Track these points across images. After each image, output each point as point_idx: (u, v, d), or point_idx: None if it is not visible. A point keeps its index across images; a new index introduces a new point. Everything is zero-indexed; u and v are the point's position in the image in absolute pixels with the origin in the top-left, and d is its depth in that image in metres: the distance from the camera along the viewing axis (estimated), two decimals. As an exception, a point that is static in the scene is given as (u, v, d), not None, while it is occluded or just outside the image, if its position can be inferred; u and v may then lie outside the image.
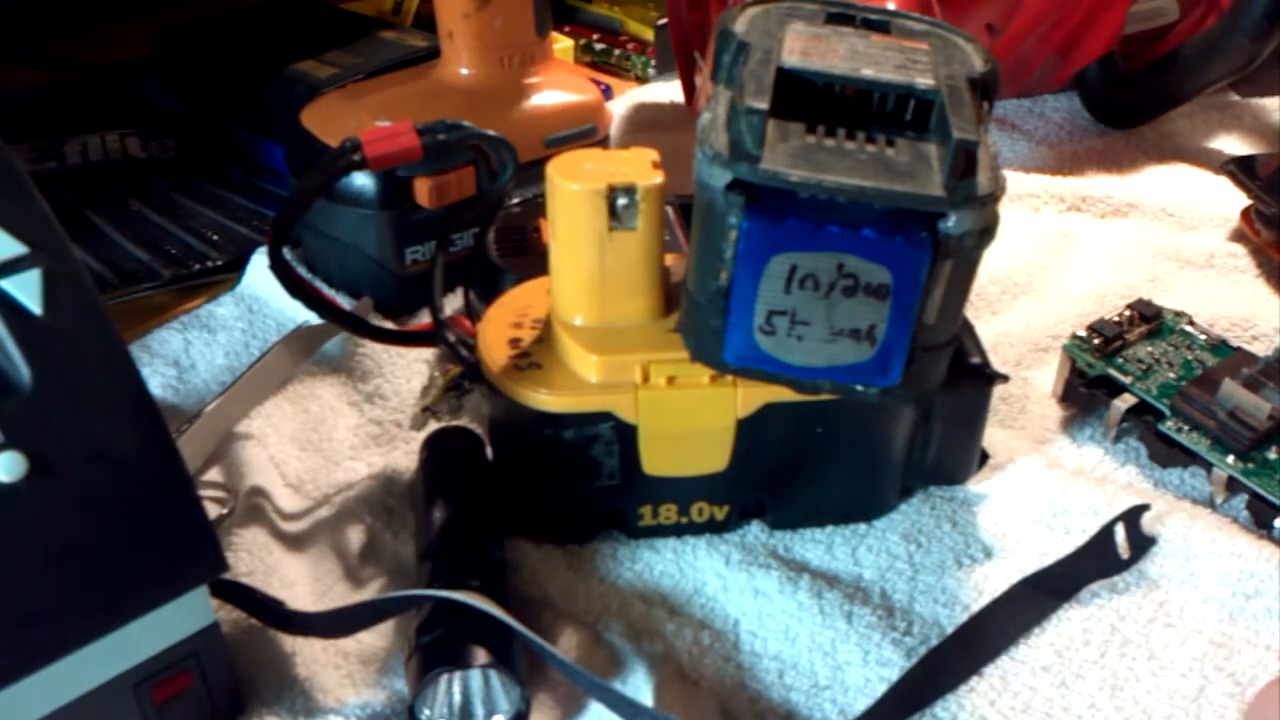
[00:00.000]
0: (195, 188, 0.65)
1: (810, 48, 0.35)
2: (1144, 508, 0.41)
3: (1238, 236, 0.60)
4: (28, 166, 0.63)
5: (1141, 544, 0.41)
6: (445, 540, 0.38)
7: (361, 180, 0.51)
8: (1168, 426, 0.44)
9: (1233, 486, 0.42)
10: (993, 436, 0.45)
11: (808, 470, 0.41)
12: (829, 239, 0.32)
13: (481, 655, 0.33)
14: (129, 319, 0.54)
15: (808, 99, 0.33)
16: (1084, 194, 0.63)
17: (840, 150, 0.32)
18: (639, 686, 0.36)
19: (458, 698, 0.35)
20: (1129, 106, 0.71)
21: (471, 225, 0.51)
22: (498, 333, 0.40)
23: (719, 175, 0.32)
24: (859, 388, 0.35)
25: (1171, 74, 0.67)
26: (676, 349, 0.38)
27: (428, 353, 0.50)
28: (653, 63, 0.81)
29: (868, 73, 0.34)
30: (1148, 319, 0.49)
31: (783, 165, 0.31)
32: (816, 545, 0.42)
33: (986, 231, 0.32)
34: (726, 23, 0.36)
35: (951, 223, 0.32)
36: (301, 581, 0.40)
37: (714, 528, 0.42)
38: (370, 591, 0.40)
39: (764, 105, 0.32)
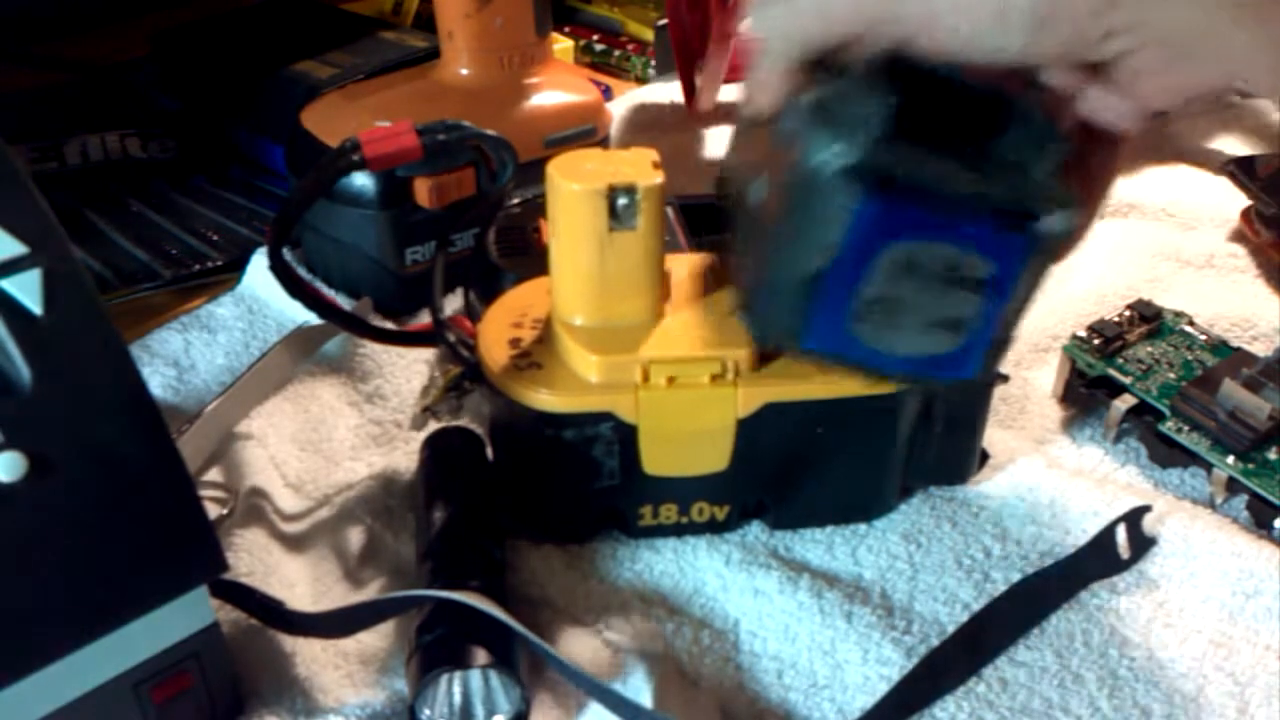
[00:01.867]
0: (195, 188, 0.65)
1: None
2: (1145, 509, 0.41)
3: (1238, 236, 0.60)
4: (28, 166, 0.63)
5: (1142, 544, 0.41)
6: (445, 540, 0.38)
7: (361, 180, 0.51)
8: (1168, 427, 0.44)
9: (1233, 487, 0.42)
10: (993, 436, 0.45)
11: (808, 470, 0.41)
12: (943, 230, 0.32)
13: (482, 655, 0.33)
14: (129, 319, 0.54)
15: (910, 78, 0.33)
16: (1084, 194, 0.62)
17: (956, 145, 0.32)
18: (639, 686, 0.36)
19: (458, 698, 0.35)
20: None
21: (471, 225, 0.51)
22: (498, 333, 0.40)
23: (838, 158, 0.31)
24: (934, 378, 0.36)
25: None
26: (676, 349, 0.38)
27: (428, 353, 0.50)
28: (653, 63, 0.81)
29: None
30: (1148, 319, 0.49)
31: (904, 154, 0.31)
32: (816, 545, 0.42)
33: (1075, 233, 0.33)
34: None
35: (1052, 222, 0.32)
36: (301, 581, 0.40)
37: (714, 528, 0.42)
38: (370, 591, 0.40)
39: (889, 96, 0.31)
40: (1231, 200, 0.61)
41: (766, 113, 0.34)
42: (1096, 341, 0.47)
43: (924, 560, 0.41)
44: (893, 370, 0.36)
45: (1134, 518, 0.41)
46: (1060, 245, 0.33)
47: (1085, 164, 0.32)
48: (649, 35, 0.83)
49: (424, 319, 0.53)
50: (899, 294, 0.33)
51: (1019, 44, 0.29)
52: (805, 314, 0.34)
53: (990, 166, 0.32)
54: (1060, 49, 0.29)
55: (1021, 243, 0.32)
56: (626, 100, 0.77)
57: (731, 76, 0.70)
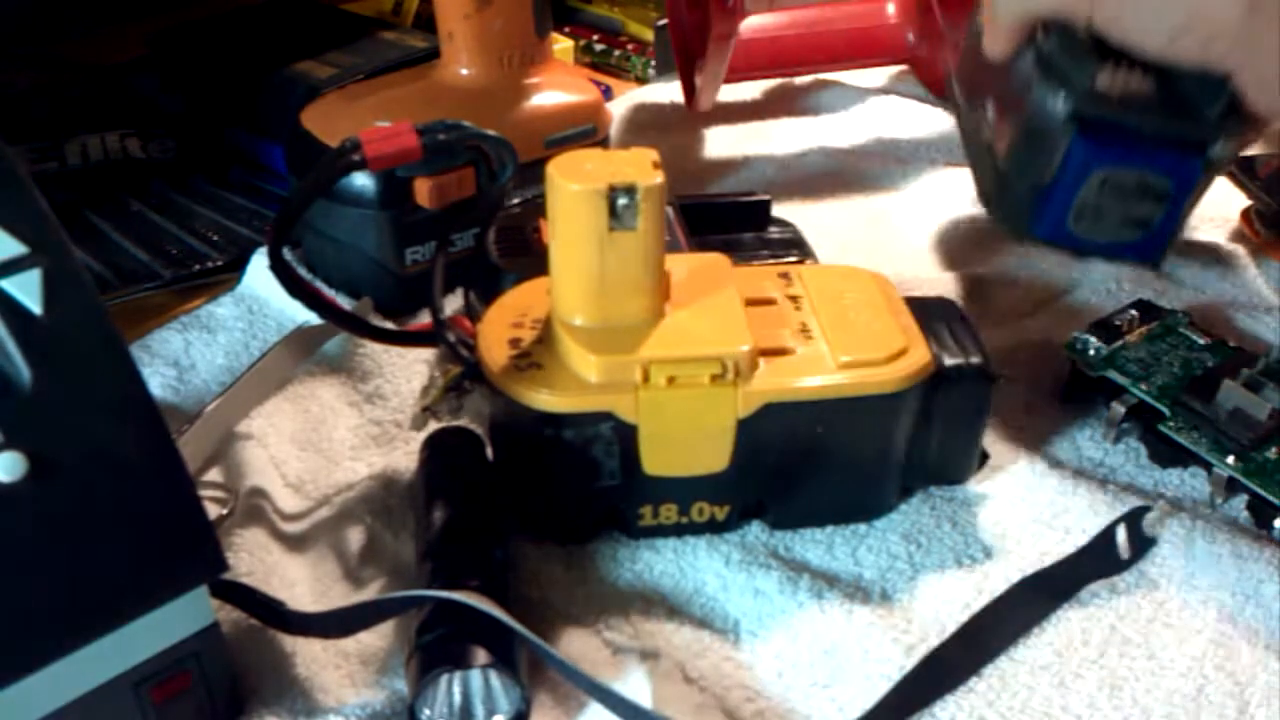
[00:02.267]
0: (195, 188, 0.65)
1: None
2: (1146, 509, 0.41)
3: (1237, 236, 0.60)
4: (28, 166, 0.63)
5: (1142, 544, 0.41)
6: (445, 540, 0.38)
7: (361, 180, 0.51)
8: (1168, 427, 0.44)
9: (1233, 487, 0.42)
10: (993, 436, 0.45)
11: (808, 470, 0.41)
12: (1136, 157, 0.43)
13: (482, 655, 0.33)
14: (129, 319, 0.54)
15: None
16: (1084, 194, 0.62)
17: (1144, 91, 0.42)
18: (639, 686, 0.36)
19: (458, 698, 0.35)
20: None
21: (471, 225, 0.51)
22: (498, 333, 0.40)
23: (1062, 108, 0.43)
24: (1126, 259, 0.49)
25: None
26: (676, 349, 0.38)
27: (428, 353, 0.50)
28: (653, 63, 0.81)
29: None
30: (1148, 319, 0.49)
31: (1110, 104, 0.42)
32: (816, 545, 0.42)
33: (1235, 156, 0.46)
34: None
35: (1219, 148, 0.42)
36: (301, 581, 0.40)
37: (714, 528, 0.42)
38: (370, 591, 0.40)
39: (1093, 60, 0.42)
40: (1231, 200, 0.61)
41: (1001, 57, 0.45)
42: (1096, 341, 0.47)
43: (924, 560, 0.41)
44: (1097, 252, 0.47)
45: (1134, 518, 0.41)
46: (1224, 164, 0.44)
47: (1243, 108, 0.41)
48: (649, 35, 0.83)
49: (424, 319, 0.53)
50: (1102, 203, 0.44)
51: (1166, 48, 0.39)
52: (1035, 212, 0.46)
53: (1174, 109, 0.41)
54: (1195, 58, 0.39)
55: (1196, 166, 0.43)
56: (626, 100, 0.77)
57: (731, 76, 0.70)
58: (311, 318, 0.44)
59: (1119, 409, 0.45)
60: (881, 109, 0.76)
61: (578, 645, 0.38)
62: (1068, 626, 0.39)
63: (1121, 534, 0.41)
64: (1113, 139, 0.43)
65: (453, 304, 0.52)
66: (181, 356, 0.52)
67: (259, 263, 0.56)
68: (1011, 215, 0.48)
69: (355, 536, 0.42)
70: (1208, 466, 0.43)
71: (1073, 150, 0.43)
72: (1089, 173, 0.44)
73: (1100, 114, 0.42)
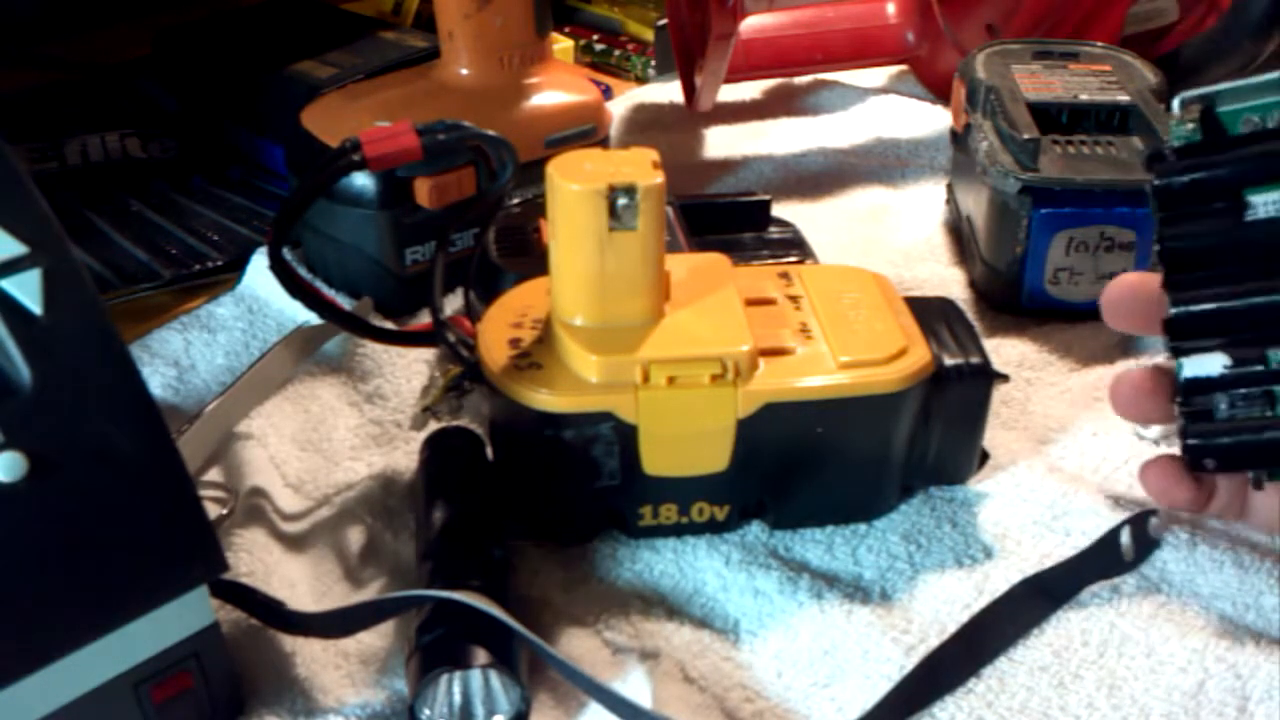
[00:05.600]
0: (195, 188, 0.65)
1: (1038, 84, 0.54)
2: (1151, 512, 0.41)
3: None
4: (28, 166, 0.63)
5: (1145, 547, 0.41)
6: (445, 540, 0.38)
7: (361, 180, 0.51)
8: None
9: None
10: (993, 437, 0.45)
11: (808, 470, 0.41)
12: (1093, 217, 0.47)
13: (481, 655, 0.33)
14: (129, 319, 0.54)
15: (1046, 118, 0.52)
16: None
17: (1084, 155, 0.50)
18: (639, 686, 0.36)
19: (458, 698, 0.35)
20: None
21: (471, 225, 0.51)
22: (498, 333, 0.40)
23: (1013, 184, 0.49)
24: None
25: (1172, 75, 0.67)
26: (676, 349, 0.38)
27: (428, 353, 0.50)
28: (653, 63, 0.81)
29: (1085, 97, 0.53)
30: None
31: (1054, 172, 0.49)
32: (816, 545, 0.42)
33: None
34: (971, 71, 0.56)
35: None
36: (301, 581, 0.40)
37: (714, 528, 0.42)
38: (370, 591, 0.40)
39: (1035, 135, 0.49)
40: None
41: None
42: None
43: (924, 560, 0.41)
44: (1083, 310, 0.50)
45: (1139, 520, 0.41)
46: None
47: None
48: (649, 35, 0.83)
49: (424, 319, 0.53)
50: (1072, 263, 0.50)
51: None
52: (1018, 282, 0.51)
53: (1114, 168, 0.47)
54: None
55: (1148, 214, 0.44)
56: (626, 100, 0.77)
57: (731, 76, 0.70)
58: (311, 318, 0.44)
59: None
60: (881, 109, 0.76)
61: (578, 645, 0.38)
62: (1067, 627, 0.39)
63: (1126, 536, 0.41)
64: (1066, 201, 0.48)
65: (453, 304, 0.52)
66: (181, 356, 0.52)
67: (259, 263, 0.56)
68: (1000, 293, 0.52)
69: (355, 536, 0.42)
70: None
71: (1033, 220, 0.49)
72: (1052, 237, 0.49)
73: (1053, 183, 0.48)
